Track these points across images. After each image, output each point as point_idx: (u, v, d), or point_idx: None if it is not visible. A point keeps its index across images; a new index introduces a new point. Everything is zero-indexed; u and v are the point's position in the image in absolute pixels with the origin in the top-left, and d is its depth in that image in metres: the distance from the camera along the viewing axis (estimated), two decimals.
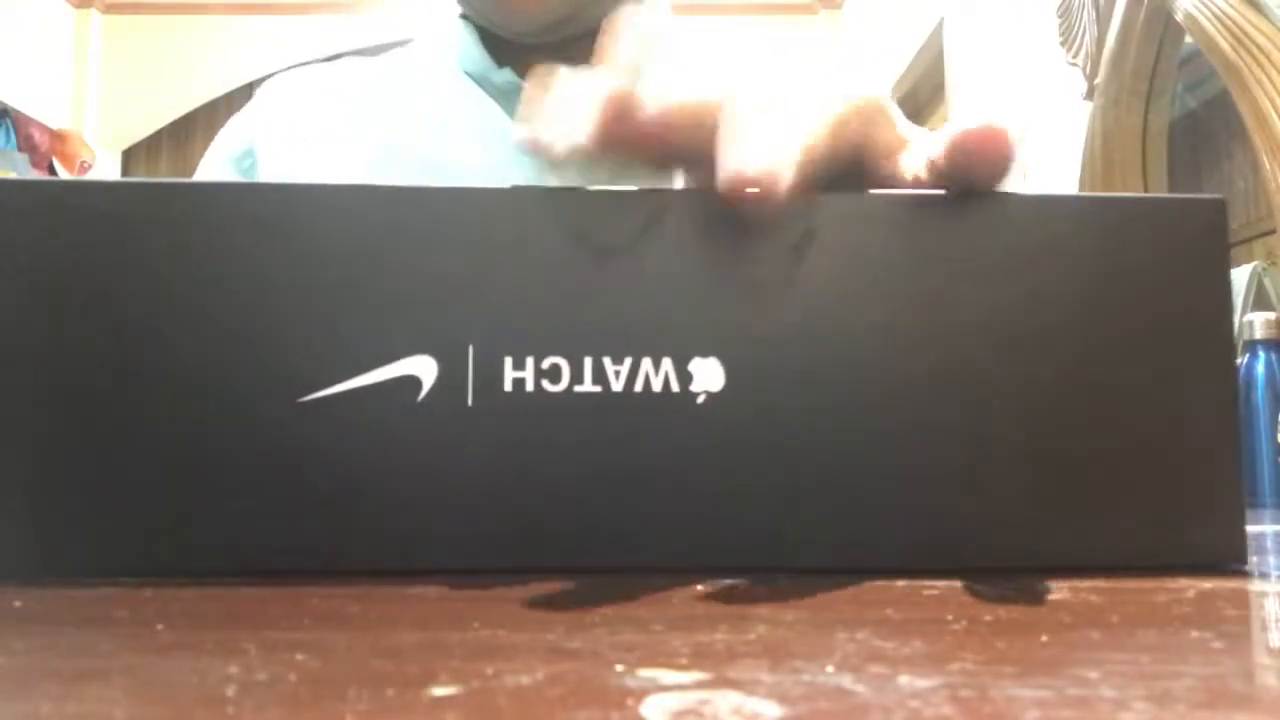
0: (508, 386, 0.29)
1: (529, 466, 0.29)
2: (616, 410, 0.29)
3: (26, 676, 0.19)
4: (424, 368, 0.29)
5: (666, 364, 0.29)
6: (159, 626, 0.23)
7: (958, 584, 0.29)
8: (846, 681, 0.18)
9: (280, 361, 0.28)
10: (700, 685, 0.18)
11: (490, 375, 0.29)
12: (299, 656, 0.20)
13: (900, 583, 0.29)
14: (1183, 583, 0.30)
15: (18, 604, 0.26)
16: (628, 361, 0.29)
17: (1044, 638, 0.22)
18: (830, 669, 0.19)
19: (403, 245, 0.29)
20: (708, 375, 0.29)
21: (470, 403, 0.29)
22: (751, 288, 0.30)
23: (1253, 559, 0.40)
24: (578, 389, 0.29)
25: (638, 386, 0.29)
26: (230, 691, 0.17)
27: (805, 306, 0.30)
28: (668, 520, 0.29)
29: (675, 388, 0.29)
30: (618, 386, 0.29)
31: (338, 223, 0.28)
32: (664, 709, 0.16)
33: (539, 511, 0.29)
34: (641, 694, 0.17)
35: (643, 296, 0.30)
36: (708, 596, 0.27)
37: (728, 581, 0.29)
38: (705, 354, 0.29)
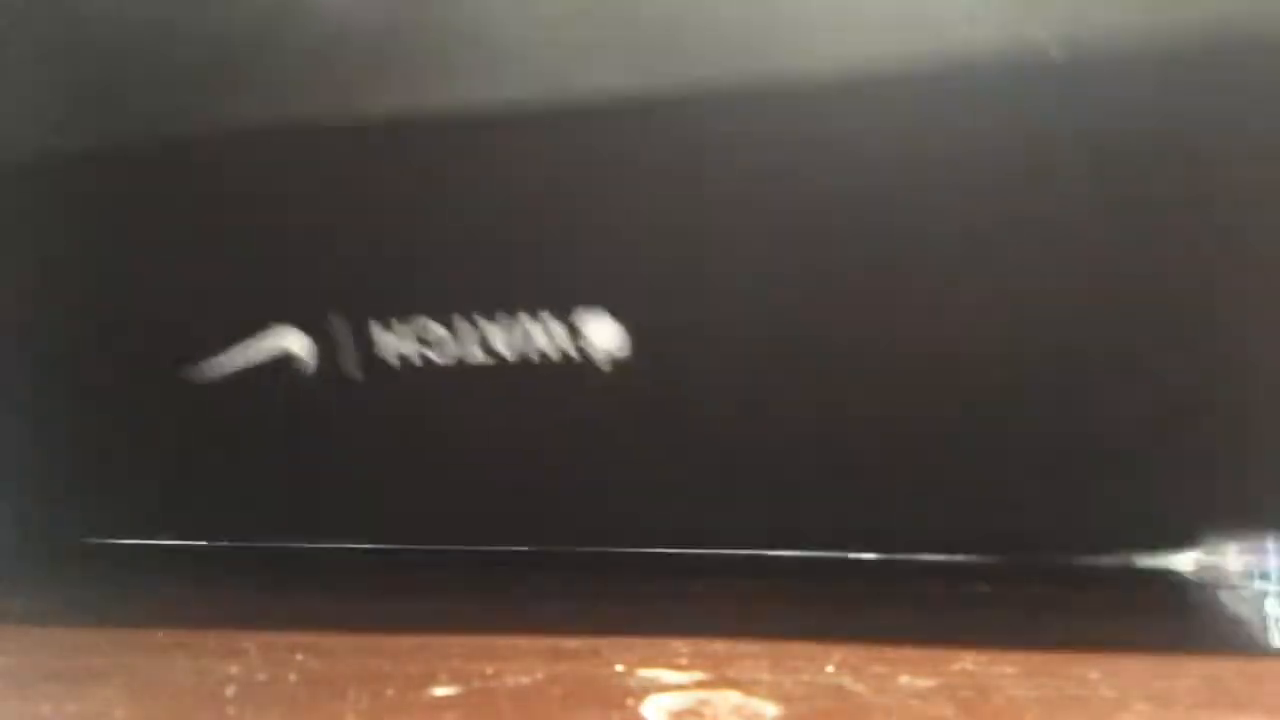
0: (386, 357, 0.26)
1: (405, 444, 0.27)
2: (509, 381, 0.26)
3: (26, 676, 0.19)
4: (290, 340, 0.26)
5: (556, 323, 0.25)
6: (159, 626, 0.23)
7: (958, 584, 0.29)
8: (846, 681, 0.18)
9: (159, 334, 0.27)
10: (700, 685, 0.18)
11: (361, 344, 0.26)
12: (299, 656, 0.20)
13: (900, 583, 0.29)
14: (1183, 582, 0.30)
15: (18, 604, 0.26)
16: (520, 320, 0.25)
17: (1044, 638, 0.22)
18: (830, 669, 0.19)
19: (248, 194, 0.26)
20: (608, 336, 0.25)
21: (341, 376, 0.26)
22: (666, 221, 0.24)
23: (1252, 559, 0.40)
24: (464, 359, 0.26)
25: (532, 353, 0.25)
26: (230, 691, 0.17)
27: (739, 239, 0.24)
28: (584, 499, 0.26)
29: (573, 352, 0.25)
30: (509, 353, 0.25)
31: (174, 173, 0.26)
32: (664, 709, 0.16)
33: (434, 493, 0.27)
34: (641, 694, 0.17)
35: (531, 237, 0.25)
36: (708, 596, 0.27)
37: (728, 581, 0.29)
38: (602, 309, 0.25)
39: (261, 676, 0.18)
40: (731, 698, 0.17)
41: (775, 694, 0.17)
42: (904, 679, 0.18)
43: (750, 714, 0.16)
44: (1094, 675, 0.19)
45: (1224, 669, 0.20)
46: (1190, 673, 0.20)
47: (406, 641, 0.22)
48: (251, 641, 0.21)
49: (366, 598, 0.27)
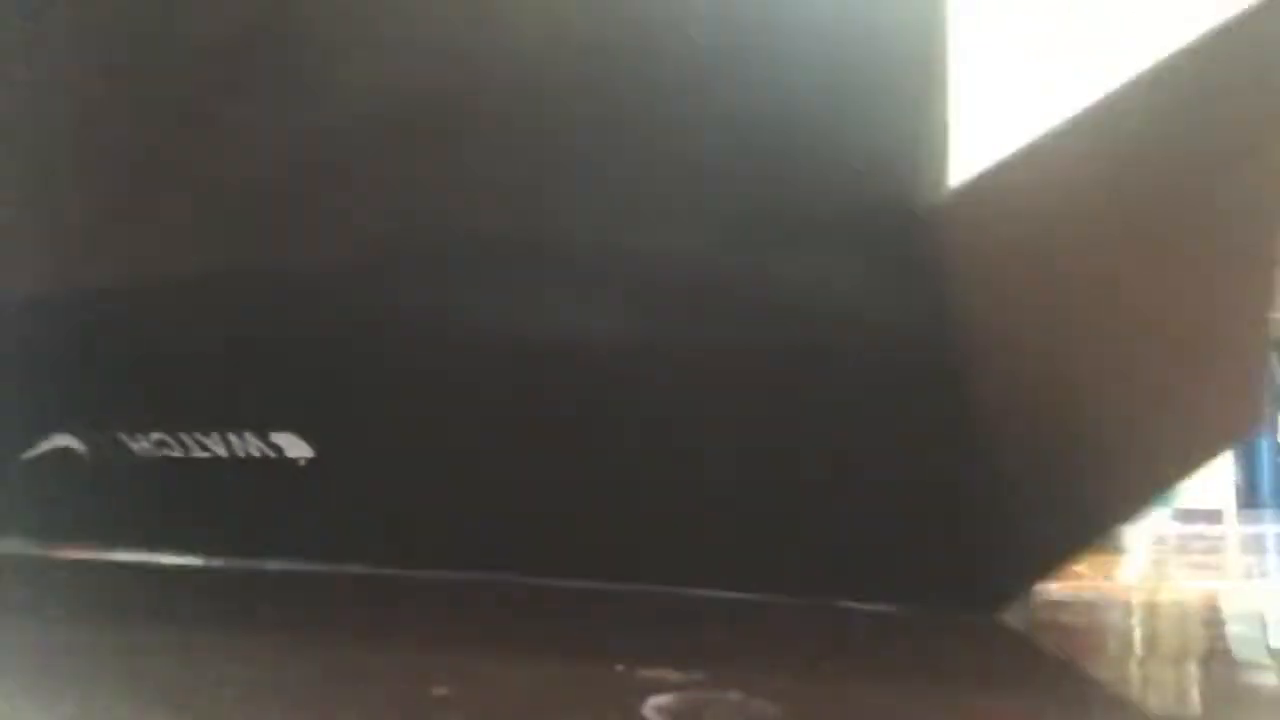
0: (139, 453, 0.34)
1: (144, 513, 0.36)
2: (232, 474, 0.34)
3: (28, 676, 0.19)
4: (71, 441, 0.35)
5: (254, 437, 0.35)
6: (159, 626, 0.23)
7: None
8: (846, 681, 0.18)
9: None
10: (700, 685, 0.18)
11: (120, 445, 0.35)
12: (300, 657, 0.20)
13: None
14: (1183, 583, 0.30)
15: (18, 604, 0.26)
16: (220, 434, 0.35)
17: (1045, 638, 0.22)
18: (830, 669, 0.19)
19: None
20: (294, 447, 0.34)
21: (115, 465, 0.34)
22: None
23: (1252, 559, 0.40)
24: (195, 454, 0.35)
25: (241, 454, 0.35)
26: (232, 692, 0.17)
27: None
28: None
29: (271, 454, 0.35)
30: (224, 453, 0.35)
31: None
32: (664, 709, 0.16)
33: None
34: (641, 694, 0.17)
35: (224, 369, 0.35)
36: (708, 598, 0.27)
37: (728, 581, 0.29)
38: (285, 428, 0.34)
39: (262, 676, 0.18)
40: (731, 698, 0.17)
41: (775, 694, 0.17)
42: (904, 679, 0.18)
43: (750, 714, 0.16)
44: (1087, 683, 0.19)
45: (1225, 669, 0.20)
46: (1190, 673, 0.20)
47: (407, 641, 0.22)
48: (252, 641, 0.21)
49: (367, 598, 0.27)
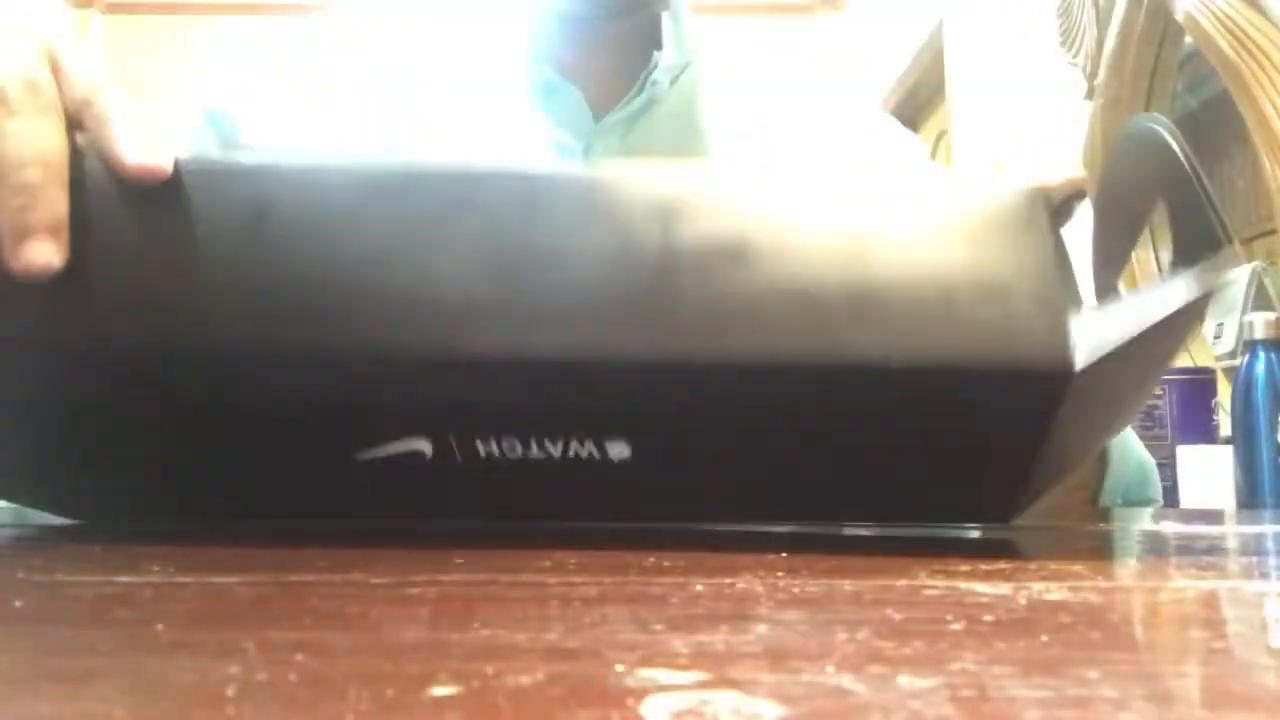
0: (483, 455, 0.38)
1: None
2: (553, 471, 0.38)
3: (26, 676, 0.19)
4: (423, 445, 0.39)
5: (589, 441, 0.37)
6: (159, 626, 0.23)
7: (958, 584, 0.29)
8: (846, 681, 0.18)
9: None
10: (700, 685, 0.18)
11: (471, 448, 0.38)
12: (299, 656, 0.20)
13: (900, 582, 0.29)
14: (1183, 583, 0.30)
15: (18, 604, 0.26)
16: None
17: (1044, 638, 0.22)
18: (830, 669, 0.19)
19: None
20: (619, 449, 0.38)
21: (462, 465, 0.38)
22: None
23: (1252, 559, 0.40)
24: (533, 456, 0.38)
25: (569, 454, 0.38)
26: (230, 691, 0.17)
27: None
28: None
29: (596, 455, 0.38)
30: (557, 455, 0.38)
31: None
32: (664, 709, 0.16)
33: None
34: (641, 694, 0.17)
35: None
36: (708, 596, 0.27)
37: (727, 581, 0.29)
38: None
39: (261, 676, 0.18)
40: (731, 698, 0.17)
41: (775, 694, 0.17)
42: (904, 679, 0.18)
43: (750, 714, 0.16)
44: (1094, 675, 0.19)
45: (1224, 669, 0.20)
46: (1190, 673, 0.20)
47: (406, 641, 0.22)
48: (251, 641, 0.21)
49: (367, 597, 0.27)
